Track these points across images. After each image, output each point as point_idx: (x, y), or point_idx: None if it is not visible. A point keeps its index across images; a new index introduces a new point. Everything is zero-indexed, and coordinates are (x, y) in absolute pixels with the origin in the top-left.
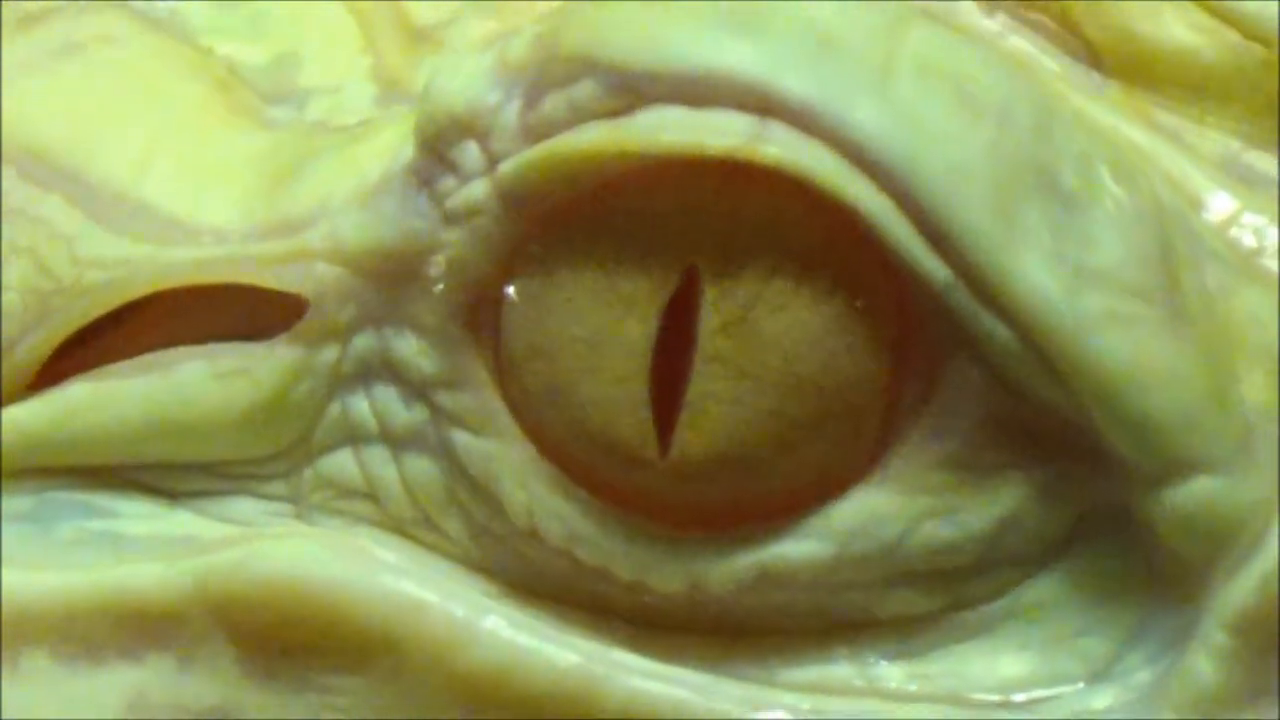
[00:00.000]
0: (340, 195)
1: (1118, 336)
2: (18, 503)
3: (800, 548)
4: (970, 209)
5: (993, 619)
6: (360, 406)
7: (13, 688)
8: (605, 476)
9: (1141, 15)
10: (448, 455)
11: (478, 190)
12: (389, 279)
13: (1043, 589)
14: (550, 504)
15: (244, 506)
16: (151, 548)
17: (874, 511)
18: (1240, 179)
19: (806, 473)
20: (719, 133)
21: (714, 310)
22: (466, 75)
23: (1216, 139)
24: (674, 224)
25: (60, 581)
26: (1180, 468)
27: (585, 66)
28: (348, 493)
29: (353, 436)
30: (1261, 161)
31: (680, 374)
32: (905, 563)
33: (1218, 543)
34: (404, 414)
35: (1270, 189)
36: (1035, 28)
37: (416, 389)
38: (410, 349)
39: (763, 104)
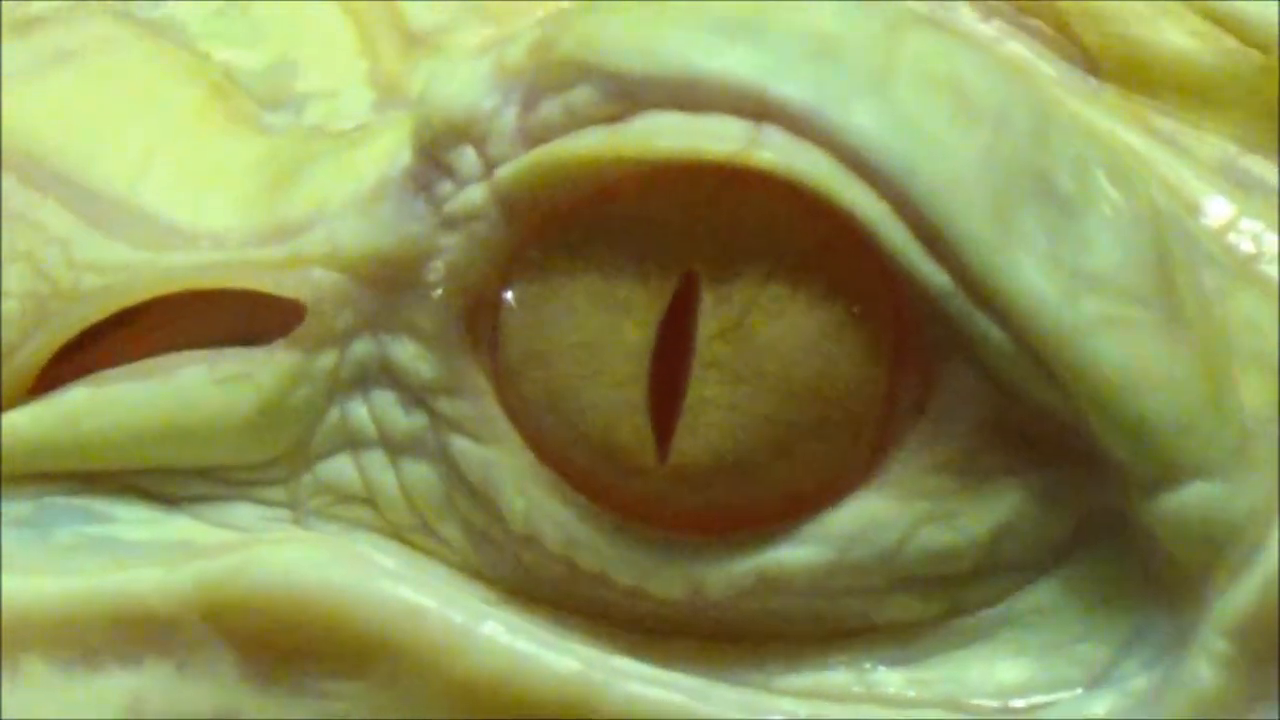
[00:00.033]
0: (337, 200)
1: (1115, 341)
2: (16, 507)
3: (798, 553)
4: (967, 213)
5: (991, 624)
6: (359, 412)
7: (11, 693)
8: (604, 482)
9: (1138, 20)
10: (446, 461)
11: (475, 195)
12: (387, 284)
13: (1041, 594)
14: (549, 509)
15: (242, 512)
16: (150, 553)
17: (872, 517)
18: (1237, 184)
19: (804, 478)
20: (715, 138)
21: (712, 316)
22: (463, 80)
23: (1214, 144)
24: (671, 229)
25: (58, 586)
26: (1177, 472)
27: (582, 72)
28: (346, 498)
29: (351, 442)
30: (1258, 166)
31: (678, 379)
32: (903, 568)
33: (1216, 548)
34: (402, 419)
35: (1267, 194)
36: (1032, 33)
37: (415, 394)
38: (408, 354)
39: (759, 109)
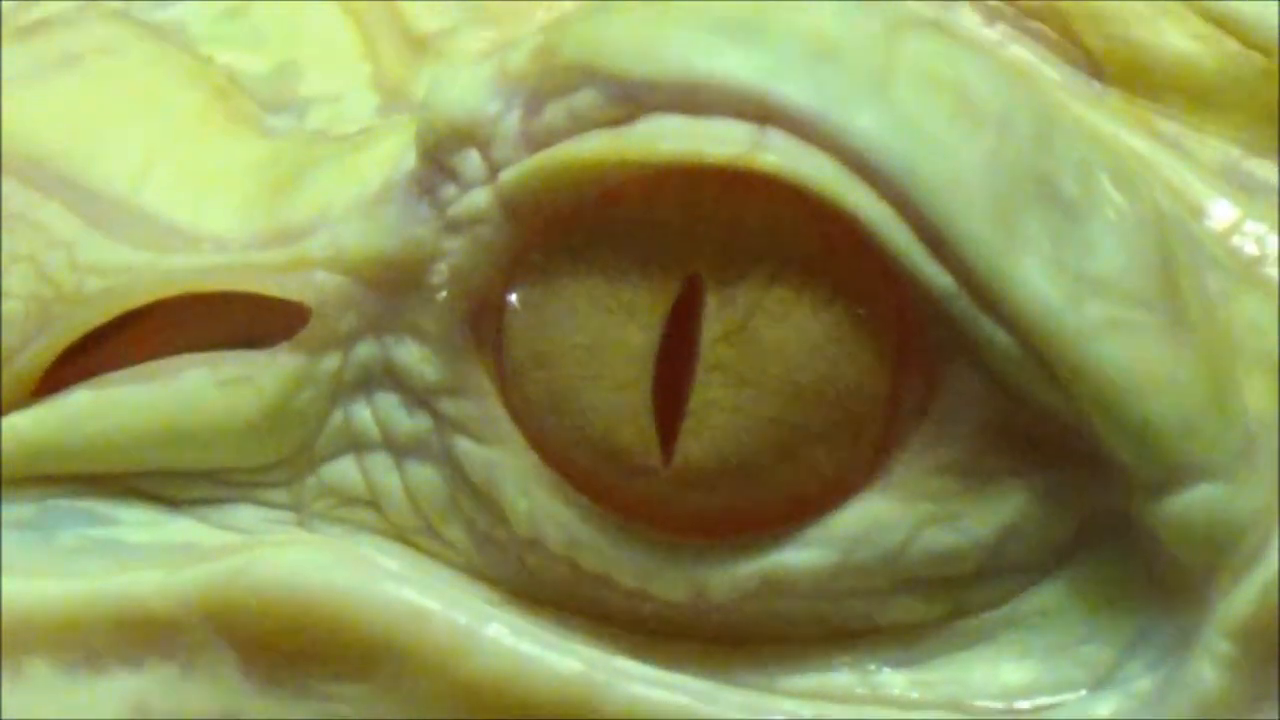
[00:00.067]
0: (341, 204)
1: (1118, 343)
2: (20, 510)
3: (802, 555)
4: (970, 216)
5: (995, 626)
6: (362, 414)
7: (14, 695)
8: (607, 484)
9: (1141, 24)
10: (450, 463)
11: (479, 198)
12: (391, 287)
13: (1045, 596)
14: (552, 511)
15: (246, 514)
16: (153, 555)
17: (876, 519)
18: (1240, 187)
19: (808, 480)
20: (719, 141)
21: (715, 318)
22: (467, 84)
23: (1217, 147)
24: (675, 232)
25: (62, 589)
26: (1181, 474)
27: (585, 75)
28: (350, 500)
29: (355, 444)
30: (1261, 169)
31: (682, 381)
32: (907, 570)
33: (1219, 550)
34: (406, 422)
35: (1270, 196)
36: (1035, 36)
37: (419, 397)
38: (412, 357)
39: (762, 112)
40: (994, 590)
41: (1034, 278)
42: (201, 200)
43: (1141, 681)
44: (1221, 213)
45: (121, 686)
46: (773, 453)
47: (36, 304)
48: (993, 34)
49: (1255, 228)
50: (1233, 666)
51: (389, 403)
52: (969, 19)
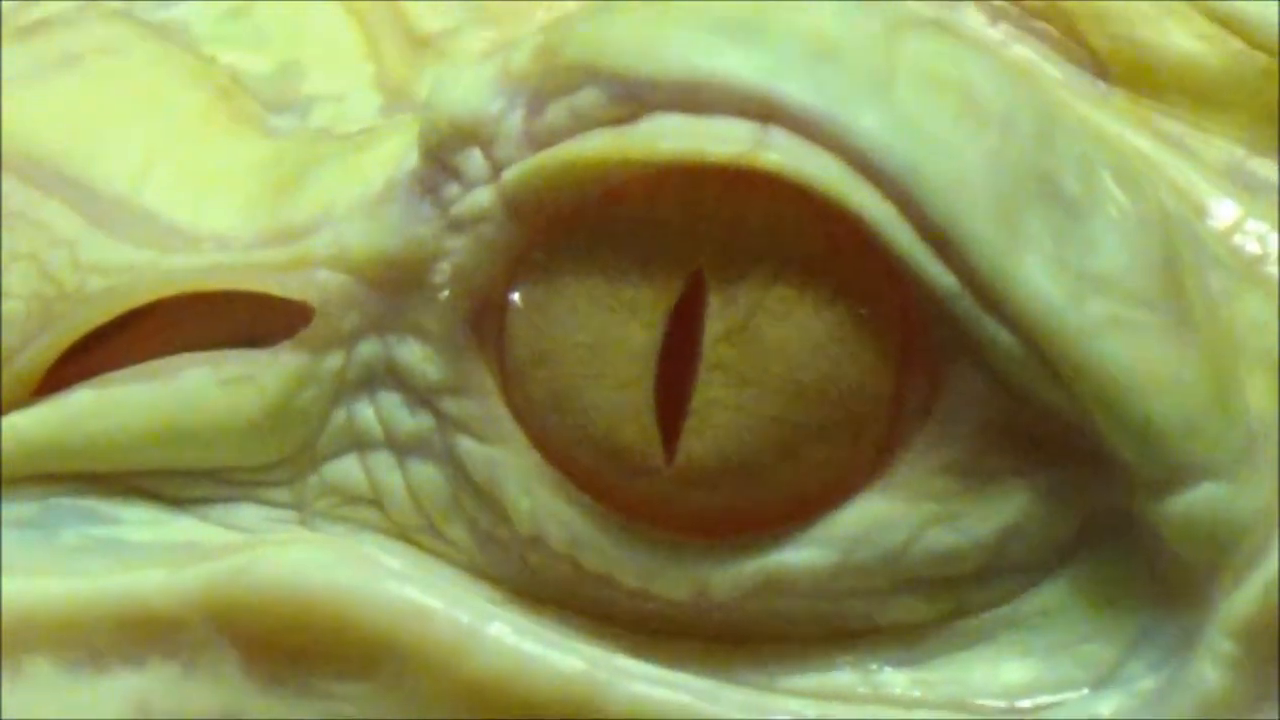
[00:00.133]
0: (344, 203)
1: (1121, 342)
2: (21, 509)
3: (804, 555)
4: (973, 216)
5: (997, 625)
6: (365, 413)
7: (15, 694)
8: (609, 483)
9: (1145, 23)
10: (452, 462)
11: (482, 198)
12: (393, 286)
13: (1047, 595)
14: (555, 510)
15: (248, 513)
16: (155, 554)
17: (878, 518)
18: (1244, 186)
19: (810, 479)
20: (721, 140)
21: (718, 317)
22: (470, 83)
23: (1220, 146)
24: (677, 231)
25: (63, 588)
26: (1184, 474)
27: (587, 74)
28: (352, 499)
29: (357, 443)
30: (1264, 168)
31: (685, 380)
32: (909, 569)
33: (1221, 549)
34: (409, 420)
35: (1273, 196)
36: (1039, 35)
37: (421, 396)
38: (415, 356)
39: (764, 111)
40: (996, 589)
41: (1037, 277)
42: (203, 199)
43: (1143, 681)
44: (1224, 212)
45: (123, 685)
46: (775, 452)
47: (38, 303)
48: (996, 33)
49: (1258, 227)
50: (1235, 666)
51: (391, 402)
52: (973, 18)
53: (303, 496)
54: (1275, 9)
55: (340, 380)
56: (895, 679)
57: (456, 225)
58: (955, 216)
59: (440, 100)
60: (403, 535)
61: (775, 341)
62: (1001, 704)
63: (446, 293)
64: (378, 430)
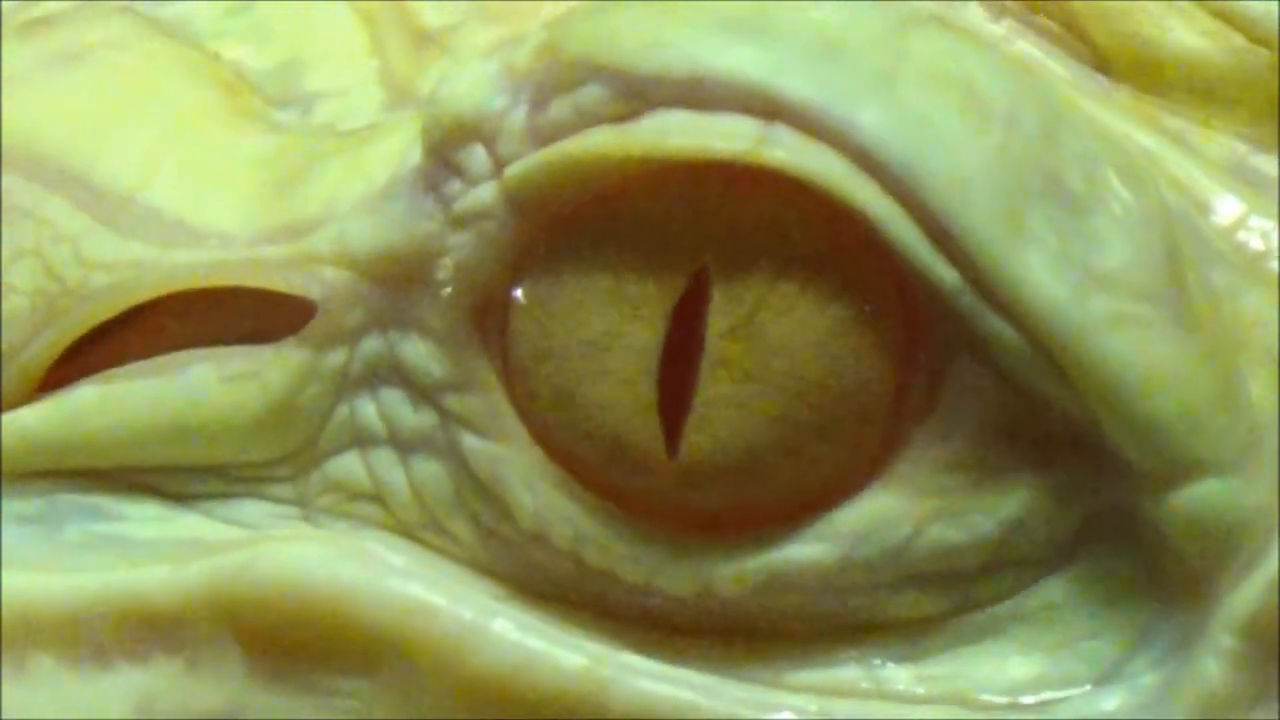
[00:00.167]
0: (347, 199)
1: (1124, 339)
2: (25, 505)
3: (808, 551)
4: (977, 212)
5: (1000, 621)
6: (368, 410)
7: (18, 690)
8: (613, 479)
9: (1148, 20)
10: (455, 458)
11: (485, 194)
12: (396, 282)
13: (1050, 591)
14: (558, 507)
15: (251, 509)
16: (158, 550)
17: (881, 514)
18: (1246, 182)
19: (814, 476)
20: (725, 136)
21: (721, 314)
22: (473, 80)
23: (1223, 142)
24: (680, 227)
25: (67, 584)
26: (1187, 470)
27: (590, 71)
28: (355, 496)
29: (360, 439)
30: (1267, 165)
31: (688, 377)
32: (912, 565)
33: (1224, 545)
34: (412, 417)
35: (1275, 192)
36: (1042, 32)
37: (424, 392)
38: (418, 352)
39: (768, 107)
40: (999, 585)
41: (1040, 273)
42: (207, 195)
43: (1146, 677)
44: (1227, 208)
45: (126, 682)
46: (778, 448)
47: (42, 299)
48: (999, 29)
49: (1261, 223)
50: (1237, 662)
51: (394, 398)
52: (976, 15)
53: (305, 493)
54: (1277, 5)
55: (343, 377)
56: (898, 674)
57: (459, 221)
58: (958, 213)
59: (443, 96)
60: (406, 532)
61: (778, 338)
62: (1004, 700)
63: (449, 289)
64: (380, 427)
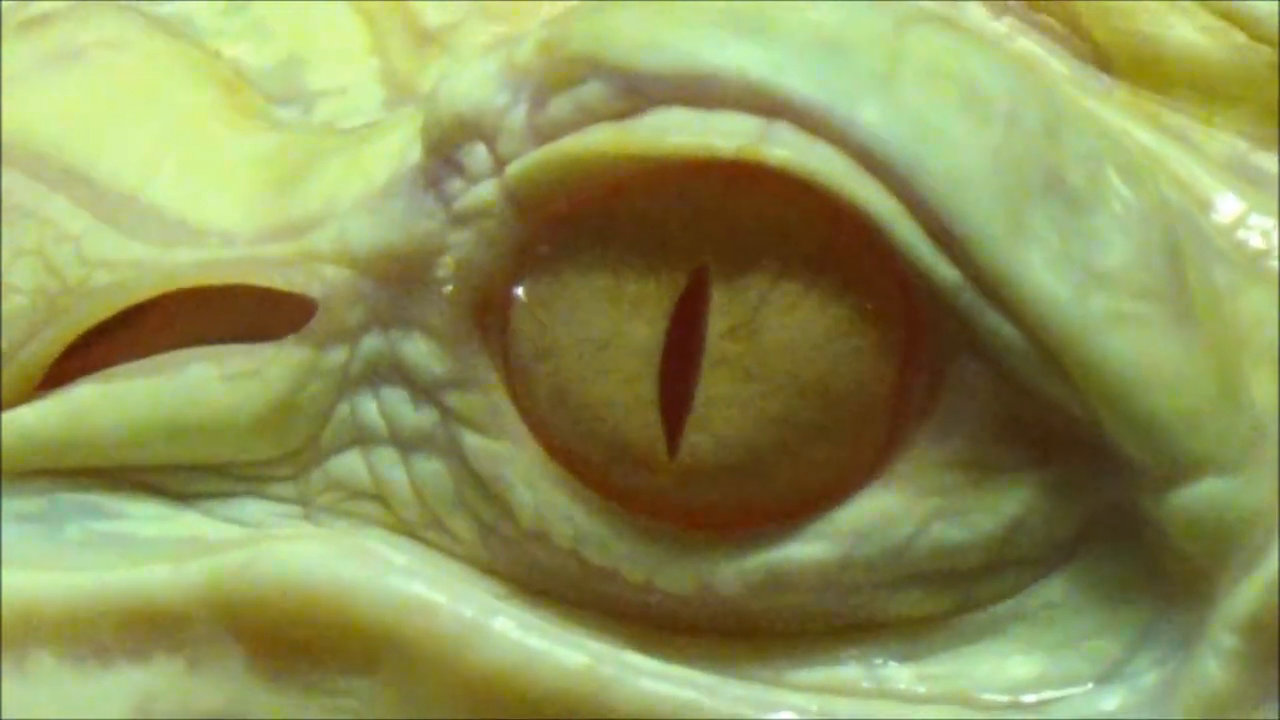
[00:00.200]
0: (348, 197)
1: (1125, 337)
2: (26, 503)
3: (808, 549)
4: (978, 211)
5: (1001, 620)
6: (369, 408)
7: (19, 689)
8: (613, 478)
9: (1149, 17)
10: (456, 456)
11: (485, 192)
12: (397, 281)
13: (1051, 590)
14: (559, 505)
15: (252, 508)
16: (159, 549)
17: (882, 513)
18: (1248, 180)
19: (814, 475)
20: (726, 134)
21: (722, 313)
22: (474, 78)
23: (1224, 140)
24: (681, 226)
25: (68, 582)
26: (1188, 468)
27: (591, 68)
28: (356, 494)
29: (361, 438)
30: (1268, 163)
31: (689, 375)
32: (913, 564)
33: (1225, 544)
34: (412, 415)
35: (1276, 190)
36: (1043, 30)
37: (425, 390)
38: (419, 351)
39: (769, 105)
40: (1000, 584)
41: (1040, 271)
42: (207, 194)
43: (1147, 676)
44: (1228, 206)
45: (127, 681)
46: (778, 447)
47: (42, 298)
48: (1000, 27)
49: (1261, 221)
50: (1238, 661)
51: (395, 397)
52: (976, 13)
53: (306, 491)
54: (1278, 3)
55: (344, 375)
56: (899, 673)
57: (460, 219)
58: (959, 211)
59: (444, 94)
60: (406, 530)
61: (779, 337)
62: (1005, 699)
63: (450, 287)
64: (381, 425)
